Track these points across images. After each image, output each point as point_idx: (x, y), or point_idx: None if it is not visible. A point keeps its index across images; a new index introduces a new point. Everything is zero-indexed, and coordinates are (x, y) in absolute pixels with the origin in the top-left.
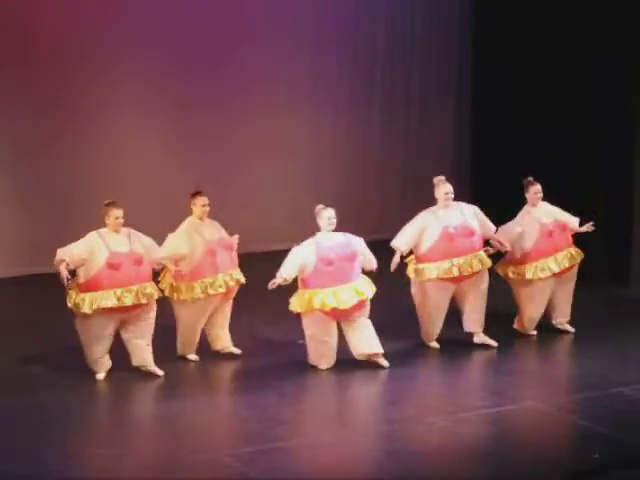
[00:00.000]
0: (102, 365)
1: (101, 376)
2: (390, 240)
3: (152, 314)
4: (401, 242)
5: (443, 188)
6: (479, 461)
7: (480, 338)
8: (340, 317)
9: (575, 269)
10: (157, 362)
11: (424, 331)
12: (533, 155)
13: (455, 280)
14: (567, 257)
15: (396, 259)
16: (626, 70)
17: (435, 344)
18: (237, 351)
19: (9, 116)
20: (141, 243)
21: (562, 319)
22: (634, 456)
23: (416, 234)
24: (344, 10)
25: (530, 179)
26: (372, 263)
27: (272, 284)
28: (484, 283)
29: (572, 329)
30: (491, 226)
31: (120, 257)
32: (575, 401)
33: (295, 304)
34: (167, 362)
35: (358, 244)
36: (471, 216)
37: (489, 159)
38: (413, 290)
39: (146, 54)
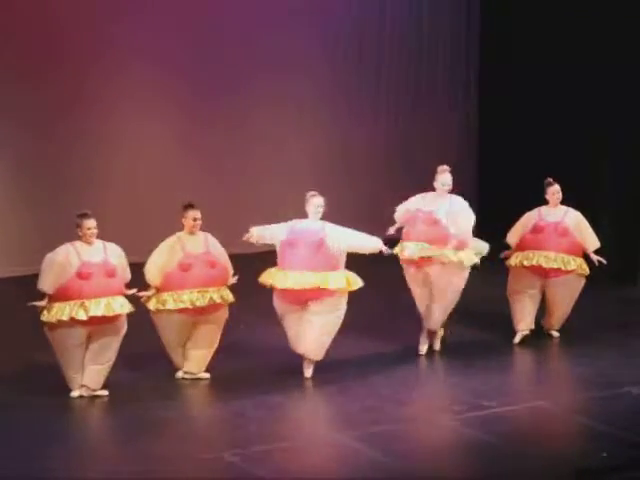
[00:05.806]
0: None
1: None
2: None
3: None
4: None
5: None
6: (486, 461)
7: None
8: (296, 301)
9: (567, 277)
10: (162, 361)
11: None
12: (541, 155)
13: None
14: (559, 260)
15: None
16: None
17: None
18: (205, 375)
19: (14, 116)
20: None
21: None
22: None
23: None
24: (352, 9)
25: (549, 180)
26: (365, 245)
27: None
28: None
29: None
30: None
31: (93, 267)
32: (583, 401)
33: (262, 276)
34: (170, 363)
35: (332, 231)
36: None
37: (495, 158)
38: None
39: (159, 42)
